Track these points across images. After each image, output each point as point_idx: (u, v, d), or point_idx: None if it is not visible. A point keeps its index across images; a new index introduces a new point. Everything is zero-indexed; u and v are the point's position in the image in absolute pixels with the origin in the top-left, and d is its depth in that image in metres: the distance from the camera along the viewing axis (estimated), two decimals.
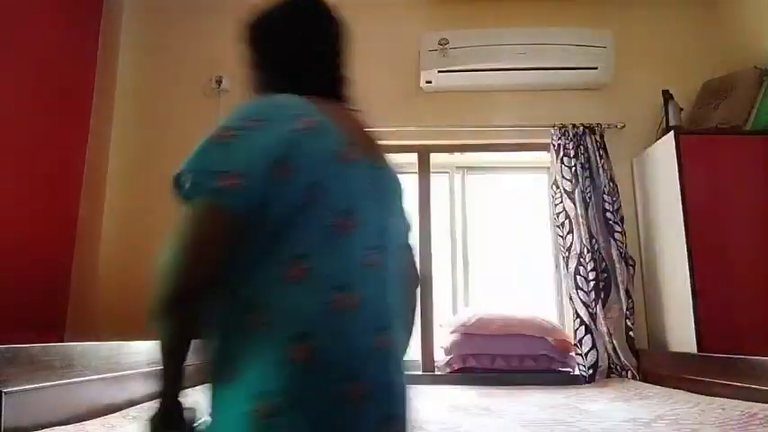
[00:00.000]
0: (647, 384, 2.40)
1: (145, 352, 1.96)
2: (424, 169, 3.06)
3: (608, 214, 2.78)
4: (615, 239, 2.74)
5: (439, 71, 2.90)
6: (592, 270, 2.71)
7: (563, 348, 2.70)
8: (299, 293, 0.81)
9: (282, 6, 1.13)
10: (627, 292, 2.67)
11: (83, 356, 1.58)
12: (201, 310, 0.87)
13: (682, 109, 2.81)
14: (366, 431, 0.80)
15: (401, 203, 1.05)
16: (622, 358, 2.62)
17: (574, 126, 2.91)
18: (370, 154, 0.98)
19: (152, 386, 1.94)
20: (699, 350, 2.32)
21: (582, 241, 2.75)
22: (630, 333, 2.65)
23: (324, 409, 0.78)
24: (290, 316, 0.81)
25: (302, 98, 0.94)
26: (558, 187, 2.87)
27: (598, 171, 2.84)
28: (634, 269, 2.74)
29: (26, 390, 1.30)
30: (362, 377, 0.81)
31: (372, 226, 0.91)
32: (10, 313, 2.05)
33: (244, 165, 0.83)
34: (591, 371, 2.62)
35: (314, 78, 1.04)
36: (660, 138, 2.73)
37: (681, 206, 2.48)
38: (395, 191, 1.04)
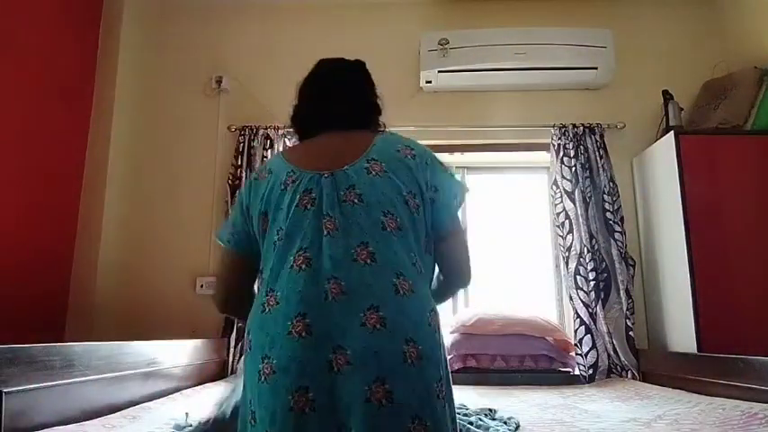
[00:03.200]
0: (647, 384, 2.40)
1: (145, 352, 1.96)
2: None
3: (608, 214, 2.78)
4: (615, 239, 2.74)
5: (439, 71, 2.90)
6: (592, 270, 2.71)
7: (563, 348, 2.70)
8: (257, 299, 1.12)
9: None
10: (627, 292, 2.67)
11: (83, 356, 1.57)
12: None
13: (682, 109, 2.81)
14: (276, 399, 0.97)
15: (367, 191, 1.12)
16: (622, 358, 2.62)
17: (574, 126, 2.91)
18: (321, 168, 1.15)
19: (152, 386, 1.95)
20: (699, 350, 2.32)
21: (582, 241, 2.75)
22: (630, 333, 2.65)
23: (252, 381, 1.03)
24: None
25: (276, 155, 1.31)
26: (557, 187, 2.87)
27: (598, 171, 2.84)
28: (634, 269, 2.74)
29: (26, 390, 1.30)
30: (273, 356, 0.99)
31: (304, 231, 1.08)
32: (10, 313, 2.05)
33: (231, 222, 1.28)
34: (591, 371, 2.62)
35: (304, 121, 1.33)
36: (660, 138, 2.73)
37: (681, 206, 2.47)
38: (353, 186, 1.12)
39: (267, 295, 1.05)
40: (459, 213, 1.24)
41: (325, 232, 1.06)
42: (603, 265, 2.74)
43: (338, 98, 1.33)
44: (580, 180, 2.82)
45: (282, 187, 1.14)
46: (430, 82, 2.97)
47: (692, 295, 2.39)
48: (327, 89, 1.35)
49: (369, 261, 1.03)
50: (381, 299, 1.00)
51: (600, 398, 2.16)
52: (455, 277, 1.25)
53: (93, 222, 2.70)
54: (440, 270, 1.24)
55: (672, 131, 2.61)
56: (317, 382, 0.95)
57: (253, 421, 1.00)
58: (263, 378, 0.98)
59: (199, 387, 2.28)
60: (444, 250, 1.21)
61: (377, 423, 0.93)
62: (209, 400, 1.73)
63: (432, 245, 1.18)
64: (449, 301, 3.01)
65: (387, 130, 1.33)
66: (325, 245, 1.05)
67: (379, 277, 1.03)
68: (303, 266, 1.03)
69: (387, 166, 1.14)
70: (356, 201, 1.09)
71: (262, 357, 1.00)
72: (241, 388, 1.10)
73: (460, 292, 3.10)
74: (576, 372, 2.68)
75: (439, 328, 1.08)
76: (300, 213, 1.09)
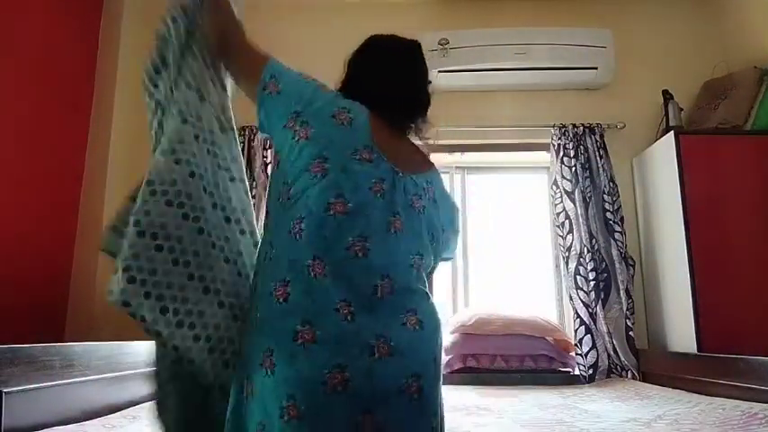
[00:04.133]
0: (647, 384, 2.40)
1: (145, 352, 1.96)
2: None
3: (608, 214, 2.78)
4: (615, 239, 2.74)
5: (439, 71, 2.90)
6: (592, 270, 2.71)
7: (563, 348, 2.70)
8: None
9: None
10: (627, 292, 2.67)
11: (83, 356, 1.58)
12: None
13: (682, 109, 2.81)
14: (309, 368, 0.95)
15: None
16: (622, 358, 2.62)
17: (574, 126, 2.91)
18: (395, 162, 1.12)
19: (151, 386, 1.95)
20: (699, 350, 2.32)
21: (582, 241, 2.75)
22: (630, 333, 2.65)
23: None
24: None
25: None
26: (557, 187, 2.87)
27: (598, 171, 2.84)
28: (634, 269, 2.74)
29: (26, 390, 1.31)
30: (316, 325, 0.97)
31: (369, 219, 1.05)
32: (10, 313, 2.05)
33: None
34: (591, 371, 2.62)
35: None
36: (660, 138, 2.73)
37: (681, 206, 2.48)
38: (419, 196, 1.14)
39: (314, 259, 1.00)
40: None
41: (393, 230, 1.05)
42: (603, 265, 2.74)
43: (406, 85, 1.28)
44: (580, 180, 2.82)
45: (357, 156, 1.06)
46: (430, 82, 2.96)
47: (692, 295, 2.39)
48: (396, 72, 1.28)
49: (420, 270, 1.09)
50: (419, 304, 1.05)
51: (600, 398, 2.16)
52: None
53: (93, 222, 2.70)
54: None
55: (672, 131, 2.61)
56: (355, 364, 0.95)
57: (269, 371, 0.96)
58: (299, 340, 0.95)
59: None
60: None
61: (406, 415, 0.97)
62: None
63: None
64: (449, 301, 3.05)
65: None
66: (389, 242, 1.04)
67: (420, 284, 1.09)
68: (360, 254, 1.01)
69: (437, 194, 1.18)
70: (421, 211, 1.11)
71: (303, 320, 0.97)
72: None
73: (460, 293, 3.10)
74: (576, 372, 2.68)
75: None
76: (371, 199, 1.05)
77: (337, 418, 0.93)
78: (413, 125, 1.26)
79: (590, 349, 2.65)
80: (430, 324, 1.05)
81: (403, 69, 1.29)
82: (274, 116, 1.13)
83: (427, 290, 1.11)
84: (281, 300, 1.00)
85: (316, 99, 1.11)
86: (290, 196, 1.05)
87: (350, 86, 1.25)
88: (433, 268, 1.22)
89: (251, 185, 2.87)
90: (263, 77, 1.18)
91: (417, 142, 1.27)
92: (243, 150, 2.92)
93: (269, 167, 2.89)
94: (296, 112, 1.09)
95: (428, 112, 1.32)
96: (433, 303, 1.11)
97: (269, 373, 0.96)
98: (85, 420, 1.51)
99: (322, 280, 0.99)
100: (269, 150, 2.91)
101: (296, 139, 1.07)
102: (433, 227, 1.14)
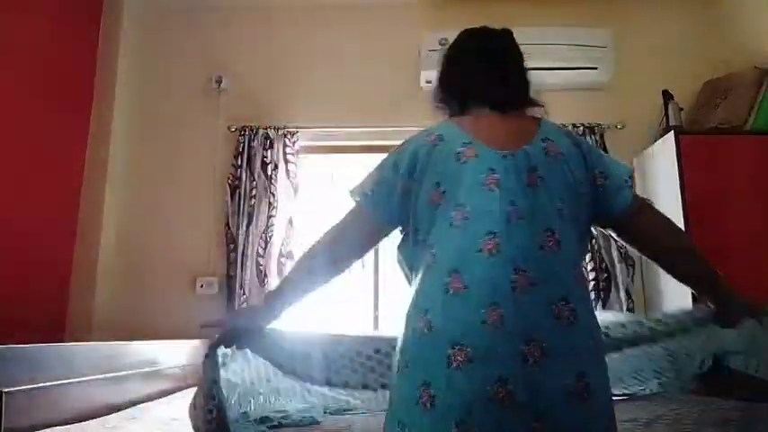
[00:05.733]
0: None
1: (145, 352, 1.96)
2: None
3: None
4: (615, 239, 2.74)
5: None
6: (592, 270, 2.71)
7: None
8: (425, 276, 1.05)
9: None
10: (627, 292, 2.67)
11: (83, 356, 1.58)
12: None
13: (682, 109, 2.81)
14: (473, 388, 0.92)
15: (558, 175, 1.09)
16: None
17: (574, 126, 2.91)
18: (500, 145, 1.09)
19: (152, 386, 1.95)
20: None
21: None
22: None
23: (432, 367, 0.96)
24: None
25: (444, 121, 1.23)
26: None
27: None
28: (634, 269, 2.74)
29: (26, 390, 1.30)
30: (467, 343, 0.94)
31: (492, 214, 1.02)
32: (10, 313, 2.05)
33: None
34: None
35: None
36: (660, 138, 2.73)
37: (681, 206, 2.47)
38: (534, 168, 1.08)
39: (450, 276, 0.99)
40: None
41: (514, 219, 1.02)
42: (603, 265, 2.74)
43: (504, 75, 1.27)
44: None
45: (461, 160, 1.07)
46: (430, 82, 2.95)
47: (692, 295, 2.39)
48: (494, 63, 1.28)
49: (556, 248, 1.01)
50: (569, 290, 0.99)
51: None
52: (668, 237, 1.27)
53: (92, 222, 2.70)
54: (649, 247, 1.25)
55: (672, 131, 2.61)
56: (514, 374, 0.92)
57: (428, 405, 0.93)
58: (454, 364, 0.92)
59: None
60: (650, 219, 1.24)
61: (580, 418, 0.93)
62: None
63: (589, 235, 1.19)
64: None
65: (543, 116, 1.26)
66: (513, 232, 1.01)
67: (564, 267, 1.02)
68: (493, 252, 0.99)
69: (561, 148, 1.12)
70: (539, 184, 1.06)
71: (451, 342, 0.94)
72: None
73: None
74: None
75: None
76: (486, 194, 1.04)
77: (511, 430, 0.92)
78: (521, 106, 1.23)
79: None
80: (584, 314, 0.99)
81: (500, 61, 1.31)
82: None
83: (577, 269, 1.05)
84: (424, 330, 0.98)
85: (414, 168, 1.15)
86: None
87: (448, 81, 1.31)
88: (624, 221, 1.19)
89: (251, 185, 2.87)
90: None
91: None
92: (243, 150, 2.91)
93: (268, 167, 2.88)
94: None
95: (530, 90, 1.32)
96: (585, 288, 1.06)
97: (428, 408, 0.93)
98: (85, 420, 1.51)
99: (464, 294, 0.97)
100: (269, 150, 2.91)
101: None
102: (570, 186, 1.09)
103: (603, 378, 0.99)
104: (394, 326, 1.10)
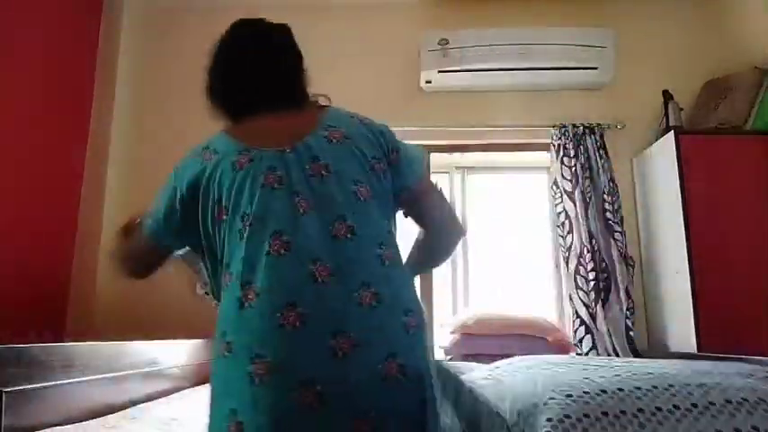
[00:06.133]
0: None
1: (145, 352, 1.96)
2: None
3: (608, 214, 2.78)
4: (615, 239, 2.74)
5: (439, 71, 2.90)
6: (592, 270, 2.71)
7: (563, 348, 2.70)
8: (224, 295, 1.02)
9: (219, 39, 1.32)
10: (627, 291, 2.67)
11: (83, 356, 1.58)
12: None
13: (682, 109, 2.81)
14: (277, 401, 0.88)
15: (344, 161, 1.07)
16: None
17: (574, 126, 2.90)
18: (279, 143, 1.06)
19: (152, 386, 1.95)
20: (699, 350, 2.32)
21: (582, 241, 2.75)
22: (630, 333, 2.65)
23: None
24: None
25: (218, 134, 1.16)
26: (558, 187, 2.87)
27: (598, 171, 2.83)
28: (634, 269, 2.74)
29: (26, 390, 1.30)
30: (266, 354, 0.90)
31: (276, 213, 0.99)
32: (10, 313, 2.05)
33: None
34: None
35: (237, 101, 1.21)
36: (660, 138, 2.73)
37: (681, 206, 2.47)
38: (317, 158, 1.05)
39: (244, 288, 0.95)
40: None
41: (300, 211, 0.99)
42: (603, 265, 2.73)
43: (277, 73, 1.23)
44: (580, 180, 2.82)
45: (236, 168, 1.04)
46: (430, 82, 2.97)
47: (692, 295, 2.39)
48: (263, 61, 1.24)
49: (349, 235, 0.99)
50: (371, 273, 0.97)
51: None
52: (450, 226, 1.23)
53: (93, 223, 2.70)
54: (428, 228, 1.20)
55: (672, 131, 2.61)
56: (323, 374, 0.88)
57: None
58: (257, 381, 0.88)
59: (199, 387, 2.28)
60: (429, 203, 1.19)
61: (397, 400, 0.91)
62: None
63: (395, 211, 1.16)
64: (449, 301, 3.04)
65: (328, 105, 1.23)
66: (302, 225, 0.98)
67: (363, 251, 0.99)
68: (282, 251, 0.96)
69: (347, 131, 1.10)
70: (324, 173, 1.03)
71: (251, 358, 0.90)
72: None
73: (460, 293, 3.10)
74: None
75: (420, 303, 1.07)
76: (268, 194, 1.01)
77: None
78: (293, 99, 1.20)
79: (590, 349, 2.65)
80: (392, 293, 0.97)
81: (270, 57, 1.27)
82: None
83: (383, 249, 1.01)
84: (224, 353, 0.95)
85: (191, 188, 1.13)
86: None
87: (217, 83, 1.27)
88: (411, 198, 1.15)
89: None
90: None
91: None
92: None
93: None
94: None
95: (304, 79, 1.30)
96: (397, 264, 1.03)
97: None
98: (85, 420, 1.50)
99: (256, 302, 0.93)
100: None
101: None
102: (363, 167, 1.07)
103: (417, 354, 0.97)
104: None
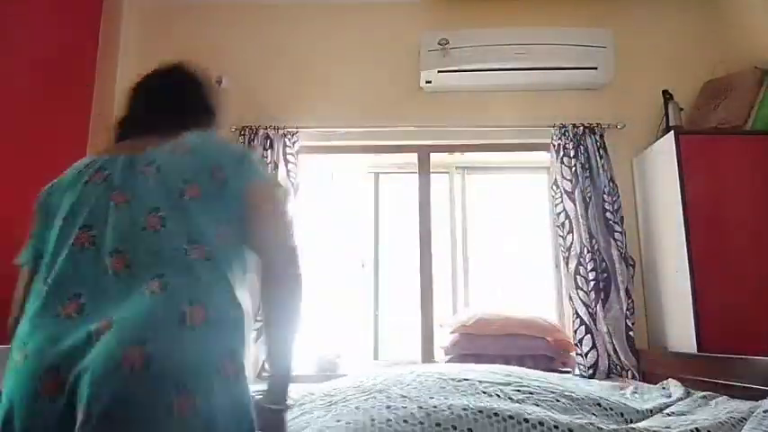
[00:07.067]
0: (646, 384, 2.40)
1: None
2: (423, 169, 3.06)
3: (608, 214, 2.78)
4: (615, 239, 2.74)
5: (439, 71, 2.90)
6: (592, 270, 2.71)
7: (563, 348, 2.70)
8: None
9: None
10: (627, 292, 2.67)
11: None
12: None
13: (682, 109, 2.81)
14: (23, 383, 0.88)
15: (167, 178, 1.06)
16: (622, 358, 2.62)
17: (574, 126, 2.90)
18: (121, 152, 1.12)
19: None
20: (699, 350, 2.32)
21: (582, 241, 2.75)
22: (630, 333, 2.65)
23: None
24: None
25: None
26: (558, 187, 2.87)
27: (598, 171, 2.83)
28: (634, 269, 2.74)
29: None
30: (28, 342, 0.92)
31: (90, 207, 1.04)
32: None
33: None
34: (591, 371, 2.62)
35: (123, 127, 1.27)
36: (660, 138, 2.73)
37: (681, 206, 2.47)
38: (152, 162, 1.08)
39: (44, 283, 0.97)
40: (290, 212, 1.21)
41: (113, 203, 1.01)
42: (603, 265, 2.73)
43: (159, 103, 1.29)
44: (580, 180, 2.82)
45: (75, 175, 1.13)
46: (430, 82, 2.97)
47: (692, 295, 2.39)
48: (151, 97, 1.32)
49: (158, 227, 0.98)
50: (169, 265, 0.94)
51: None
52: (270, 256, 1.06)
53: None
54: (259, 253, 1.08)
55: (672, 131, 2.61)
56: (68, 361, 0.85)
57: None
58: (13, 366, 0.91)
59: None
60: (255, 219, 1.07)
61: (127, 391, 0.82)
62: None
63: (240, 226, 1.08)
64: (449, 301, 3.04)
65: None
66: (111, 218, 0.99)
67: (167, 243, 0.97)
68: (86, 245, 0.97)
69: (194, 147, 1.11)
70: (153, 172, 1.05)
71: (20, 344, 0.92)
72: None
73: (460, 293, 3.09)
74: (576, 372, 2.68)
75: (235, 304, 0.98)
76: (89, 189, 1.05)
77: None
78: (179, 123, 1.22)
79: (590, 349, 2.65)
80: (183, 281, 0.92)
81: (158, 93, 1.35)
82: None
83: (194, 245, 0.97)
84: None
85: (48, 206, 1.20)
86: None
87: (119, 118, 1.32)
88: (245, 210, 1.07)
89: None
90: None
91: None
92: None
93: (269, 167, 2.88)
94: None
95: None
96: (208, 261, 0.97)
97: None
98: None
99: (45, 295, 0.97)
100: (269, 150, 2.91)
101: None
102: (199, 170, 1.06)
103: (175, 345, 0.87)
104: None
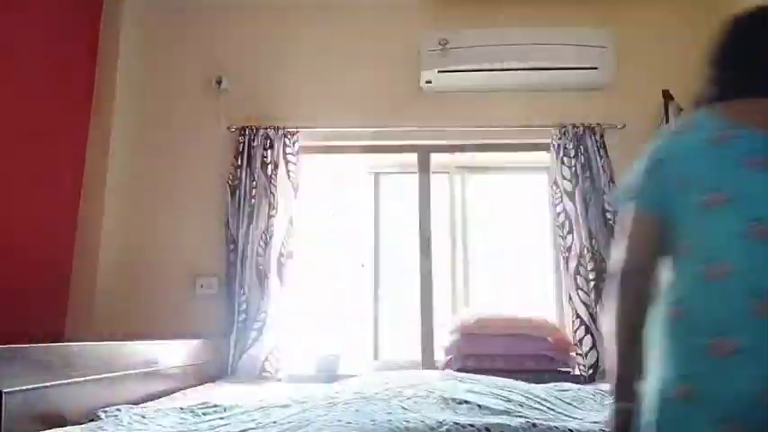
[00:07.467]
0: None
1: (144, 352, 1.96)
2: (423, 169, 3.06)
3: (608, 214, 2.78)
4: (615, 239, 2.74)
5: (439, 71, 2.90)
6: (592, 270, 2.71)
7: (563, 348, 2.69)
8: (681, 268, 1.02)
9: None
10: None
11: (82, 356, 1.58)
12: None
13: (682, 109, 2.81)
14: (739, 385, 0.88)
15: None
16: None
17: (574, 126, 2.91)
18: (761, 125, 1.02)
19: (151, 386, 1.95)
20: None
21: (582, 241, 2.75)
22: None
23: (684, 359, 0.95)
24: (670, 287, 1.02)
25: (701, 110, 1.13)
26: (557, 187, 2.87)
27: (598, 171, 2.84)
28: None
29: (26, 390, 1.30)
30: (732, 335, 0.90)
31: (757, 197, 0.97)
32: (10, 313, 2.05)
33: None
34: (591, 371, 2.62)
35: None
36: None
37: None
38: None
39: (708, 262, 0.96)
40: None
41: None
42: (603, 266, 2.73)
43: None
44: (580, 180, 2.82)
45: (711, 144, 1.03)
46: (430, 82, 2.97)
47: None
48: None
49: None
50: None
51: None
52: None
53: (92, 222, 2.70)
54: None
55: None
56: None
57: (686, 397, 0.92)
58: (717, 355, 0.90)
59: (199, 387, 2.28)
60: None
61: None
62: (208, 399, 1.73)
63: None
64: (449, 301, 3.04)
65: None
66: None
67: None
68: (762, 238, 0.93)
69: None
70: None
71: (713, 332, 0.92)
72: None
73: (460, 293, 3.09)
74: (576, 372, 2.68)
75: None
76: (747, 175, 0.98)
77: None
78: None
79: (590, 349, 2.65)
80: None
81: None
82: None
83: None
84: (672, 318, 0.99)
85: (665, 161, 1.14)
86: None
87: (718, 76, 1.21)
88: None
89: (251, 185, 2.87)
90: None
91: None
92: (243, 150, 2.91)
93: (269, 167, 2.88)
94: None
95: None
96: None
97: (687, 400, 0.93)
98: (85, 420, 1.50)
99: (725, 281, 0.95)
100: (269, 150, 2.91)
101: None
102: None
103: None
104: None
